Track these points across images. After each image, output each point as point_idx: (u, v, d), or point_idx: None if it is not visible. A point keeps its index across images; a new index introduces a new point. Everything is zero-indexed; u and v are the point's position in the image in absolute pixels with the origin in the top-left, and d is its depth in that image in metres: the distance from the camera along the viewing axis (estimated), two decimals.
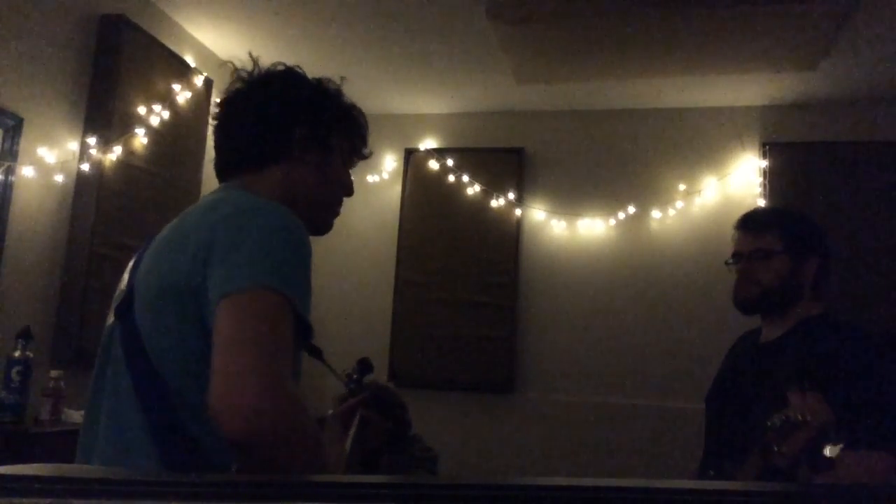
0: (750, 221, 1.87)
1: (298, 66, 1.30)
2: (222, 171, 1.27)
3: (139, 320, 1.08)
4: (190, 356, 1.04)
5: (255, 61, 1.29)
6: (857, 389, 1.51)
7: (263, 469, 0.92)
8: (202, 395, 0.92)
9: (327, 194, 1.29)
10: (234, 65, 1.30)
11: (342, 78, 1.32)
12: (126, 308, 1.12)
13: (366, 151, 1.36)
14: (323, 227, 1.31)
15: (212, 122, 1.31)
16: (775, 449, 1.33)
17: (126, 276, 1.19)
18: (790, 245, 1.76)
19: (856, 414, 1.46)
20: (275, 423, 0.89)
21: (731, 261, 1.85)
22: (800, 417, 1.30)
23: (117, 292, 1.20)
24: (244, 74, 1.28)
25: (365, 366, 1.70)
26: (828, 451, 1.25)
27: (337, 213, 1.32)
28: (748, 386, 1.74)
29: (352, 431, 1.57)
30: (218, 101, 1.31)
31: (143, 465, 1.04)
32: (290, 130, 1.23)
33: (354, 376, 1.67)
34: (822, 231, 1.85)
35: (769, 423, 1.34)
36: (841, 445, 1.25)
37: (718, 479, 1.63)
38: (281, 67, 1.29)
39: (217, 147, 1.28)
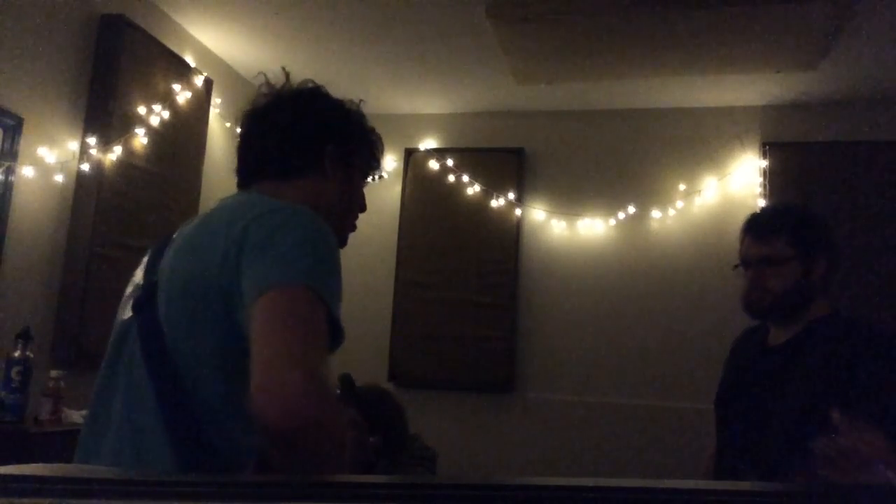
0: (758, 226, 1.79)
1: (324, 86, 1.35)
2: (246, 177, 1.30)
3: (162, 317, 1.08)
4: (213, 354, 1.05)
5: (286, 76, 1.34)
6: (875, 391, 1.49)
7: (295, 458, 0.93)
8: (221, 397, 0.93)
9: (346, 209, 1.33)
10: (266, 76, 1.35)
11: (360, 101, 1.38)
12: (144, 303, 1.11)
13: (379, 174, 1.43)
14: (340, 240, 1.34)
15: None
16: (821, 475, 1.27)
17: (141, 272, 1.19)
18: (800, 250, 1.71)
19: (875, 417, 1.43)
20: (318, 411, 0.92)
21: (739, 265, 1.79)
22: (851, 444, 1.23)
23: (132, 288, 1.19)
24: (272, 89, 1.32)
25: (346, 382, 1.69)
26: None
27: (353, 228, 1.37)
28: (760, 389, 1.70)
29: None
30: (247, 109, 1.34)
31: (157, 466, 1.03)
32: (323, 146, 1.28)
33: (338, 392, 1.66)
34: (829, 228, 1.81)
35: (816, 449, 1.27)
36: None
37: (745, 478, 1.62)
38: (311, 85, 1.34)
39: (243, 154, 1.31)
